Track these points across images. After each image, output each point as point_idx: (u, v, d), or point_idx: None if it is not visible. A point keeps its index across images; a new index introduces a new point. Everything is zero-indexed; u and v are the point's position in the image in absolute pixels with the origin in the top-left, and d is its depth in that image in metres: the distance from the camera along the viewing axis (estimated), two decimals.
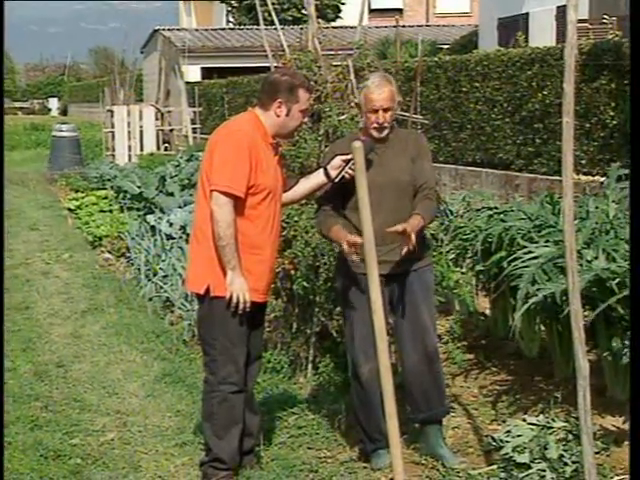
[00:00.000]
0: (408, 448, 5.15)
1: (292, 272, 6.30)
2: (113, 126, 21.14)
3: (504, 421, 5.40)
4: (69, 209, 15.25)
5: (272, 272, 4.94)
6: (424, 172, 4.97)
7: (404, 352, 5.09)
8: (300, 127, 5.02)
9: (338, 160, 4.88)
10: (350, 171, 4.79)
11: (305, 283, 6.24)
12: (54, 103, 60.07)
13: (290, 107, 4.72)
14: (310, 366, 6.41)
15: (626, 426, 5.26)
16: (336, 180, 4.93)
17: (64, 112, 56.53)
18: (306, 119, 4.95)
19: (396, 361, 5.53)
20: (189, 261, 5.03)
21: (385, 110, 4.85)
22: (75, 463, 5.19)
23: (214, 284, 4.66)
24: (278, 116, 4.73)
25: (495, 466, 4.80)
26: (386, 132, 4.92)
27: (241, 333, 4.74)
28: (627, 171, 6.62)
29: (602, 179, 8.83)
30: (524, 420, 4.80)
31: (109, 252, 11.55)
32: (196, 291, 4.85)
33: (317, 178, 5.03)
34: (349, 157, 4.73)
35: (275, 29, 7.04)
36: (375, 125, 4.88)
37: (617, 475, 4.60)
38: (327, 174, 4.94)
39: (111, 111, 21.39)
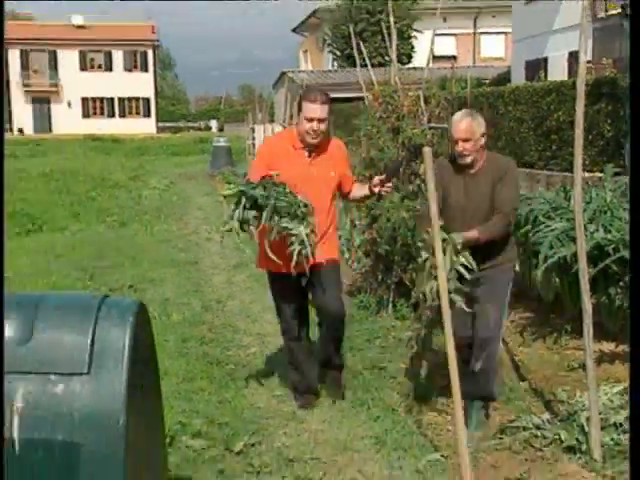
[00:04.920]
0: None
1: (377, 239, 6.28)
2: (254, 139, 21.28)
3: (529, 345, 5.29)
4: (224, 196, 15.38)
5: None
6: (501, 197, 3.99)
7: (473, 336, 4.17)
8: (309, 131, 4.27)
9: (377, 179, 4.38)
10: (387, 188, 4.35)
11: (387, 247, 6.22)
12: (214, 123, 60.68)
13: (300, 116, 4.28)
14: (390, 305, 6.40)
15: (618, 349, 5.12)
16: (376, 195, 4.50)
17: (221, 129, 57.08)
18: (314, 125, 4.24)
19: None
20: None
21: (464, 140, 3.97)
22: (230, 368, 5.27)
23: (262, 264, 4.49)
24: (298, 124, 4.38)
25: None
26: (469, 159, 4.01)
27: (280, 296, 4.50)
28: (619, 169, 6.43)
29: (600, 175, 8.55)
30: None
31: None
32: (260, 270, 4.70)
33: (364, 190, 4.51)
34: (383, 177, 4.33)
35: (367, 70, 7.01)
36: (457, 153, 4.03)
37: (610, 384, 4.47)
38: (370, 189, 4.44)
39: (252, 129, 21.51)
